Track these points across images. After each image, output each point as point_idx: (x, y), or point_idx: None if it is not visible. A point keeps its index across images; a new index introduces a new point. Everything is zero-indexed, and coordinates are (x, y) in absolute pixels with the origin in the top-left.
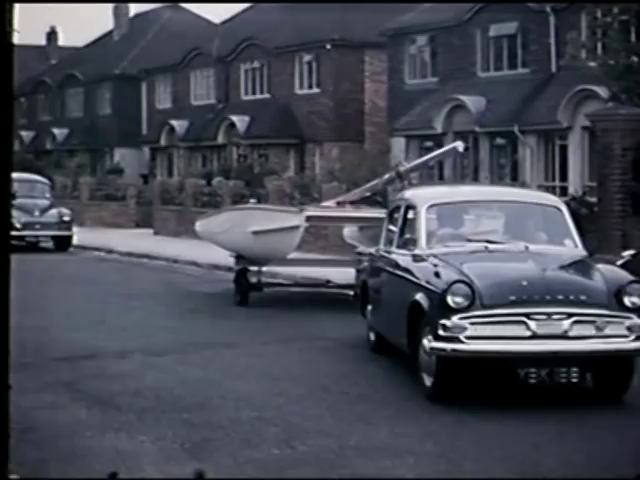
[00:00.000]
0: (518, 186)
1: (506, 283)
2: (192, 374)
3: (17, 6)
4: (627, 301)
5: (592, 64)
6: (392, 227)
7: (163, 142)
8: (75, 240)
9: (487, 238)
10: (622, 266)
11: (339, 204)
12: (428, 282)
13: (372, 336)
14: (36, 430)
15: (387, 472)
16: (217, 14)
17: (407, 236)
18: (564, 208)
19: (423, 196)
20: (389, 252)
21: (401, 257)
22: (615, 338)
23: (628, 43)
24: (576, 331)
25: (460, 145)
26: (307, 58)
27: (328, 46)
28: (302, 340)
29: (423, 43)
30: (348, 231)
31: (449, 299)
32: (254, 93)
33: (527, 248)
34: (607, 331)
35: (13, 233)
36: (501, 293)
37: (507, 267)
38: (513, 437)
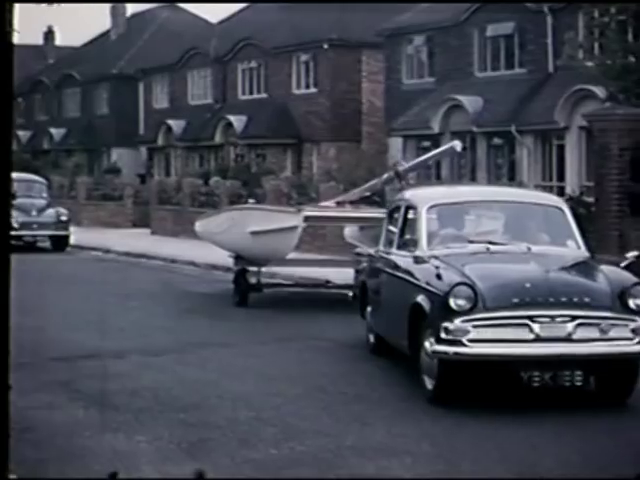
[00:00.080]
0: (516, 186)
1: (509, 285)
2: (190, 374)
3: (17, 6)
4: (631, 303)
5: (589, 64)
6: (392, 228)
7: (160, 142)
8: (72, 240)
9: (489, 239)
10: (626, 267)
11: (339, 204)
12: (430, 284)
13: (371, 338)
14: (34, 430)
15: (384, 472)
16: (214, 14)
17: (407, 237)
18: (566, 208)
19: (423, 196)
20: (389, 253)
21: (401, 258)
22: (619, 341)
23: (625, 43)
24: (580, 334)
25: (458, 144)
26: (304, 58)
27: (325, 46)
28: (300, 340)
29: (420, 43)
30: (349, 231)
31: (451, 302)
32: (251, 93)
33: (529, 249)
34: (611, 334)
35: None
36: (504, 295)
37: (509, 269)
38: (511, 438)
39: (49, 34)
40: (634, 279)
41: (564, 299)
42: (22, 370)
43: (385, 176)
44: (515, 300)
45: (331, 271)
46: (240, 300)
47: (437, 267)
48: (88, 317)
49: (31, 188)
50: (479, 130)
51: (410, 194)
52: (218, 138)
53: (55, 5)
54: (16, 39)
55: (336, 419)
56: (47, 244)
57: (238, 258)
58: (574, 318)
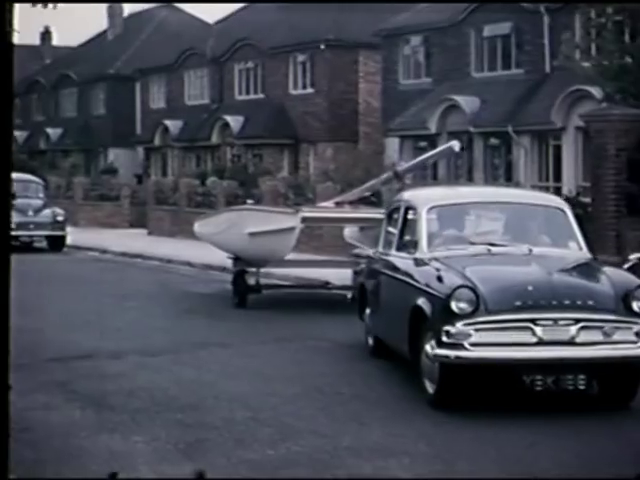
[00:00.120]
0: (513, 186)
1: (511, 288)
2: (186, 374)
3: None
4: (635, 306)
5: (586, 64)
6: (391, 229)
7: (157, 142)
8: (69, 240)
9: (489, 240)
10: (629, 269)
11: (338, 204)
12: (430, 287)
13: (370, 340)
14: (31, 430)
15: (381, 472)
16: (211, 14)
17: (407, 238)
18: (567, 209)
19: (423, 197)
20: (388, 254)
21: (401, 260)
22: (623, 344)
23: (622, 44)
24: (583, 337)
25: (456, 145)
26: (301, 58)
27: (322, 46)
28: (298, 341)
29: (417, 43)
30: (349, 231)
31: (453, 305)
32: (248, 93)
33: (531, 251)
34: (615, 337)
35: None
36: (506, 298)
37: (511, 271)
38: (509, 438)
39: (46, 34)
40: (638, 281)
41: (567, 302)
42: (19, 371)
43: (384, 176)
44: (517, 303)
45: (329, 272)
46: (239, 301)
47: (438, 269)
48: (84, 317)
49: (28, 188)
50: (476, 130)
51: (410, 195)
52: (215, 138)
53: (51, 5)
54: (14, 39)
55: (333, 419)
56: (44, 244)
57: (237, 259)
58: (577, 321)
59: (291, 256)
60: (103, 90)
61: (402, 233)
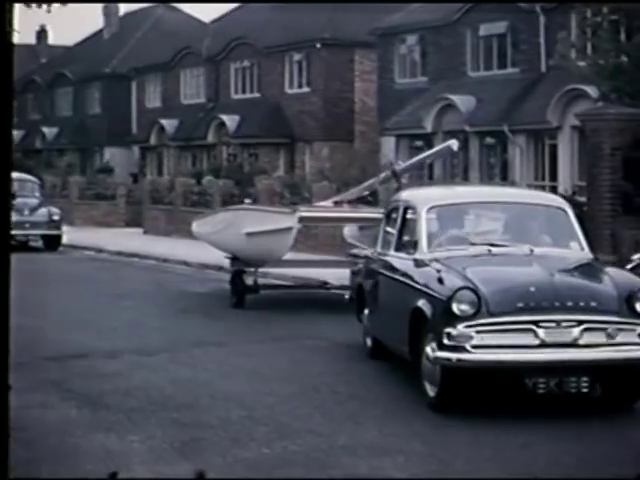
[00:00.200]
0: (508, 185)
1: (513, 289)
2: (182, 373)
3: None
4: (639, 307)
5: (582, 64)
6: (389, 229)
7: (153, 141)
8: (65, 239)
9: (490, 241)
10: (631, 270)
11: (336, 203)
12: (431, 288)
13: (369, 341)
14: (27, 429)
15: (377, 471)
16: (207, 13)
17: (406, 238)
18: (569, 209)
19: (423, 197)
20: (387, 255)
21: (400, 260)
22: (627, 346)
23: (618, 43)
24: (586, 339)
25: (454, 143)
26: (297, 57)
27: (318, 45)
28: (295, 340)
29: (413, 42)
30: (348, 231)
31: (454, 307)
32: (244, 92)
33: (532, 251)
34: (619, 339)
35: None
36: (508, 300)
37: (513, 272)
38: (505, 437)
39: (42, 33)
40: None
41: (570, 303)
42: (15, 370)
43: (382, 175)
44: (520, 305)
45: (327, 272)
46: (237, 301)
47: (438, 270)
48: (80, 316)
49: (23, 187)
50: (472, 130)
51: (409, 194)
52: (211, 137)
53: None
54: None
55: (329, 418)
56: (39, 243)
57: (234, 259)
58: (580, 323)
59: (288, 256)
60: (99, 89)
61: (401, 233)
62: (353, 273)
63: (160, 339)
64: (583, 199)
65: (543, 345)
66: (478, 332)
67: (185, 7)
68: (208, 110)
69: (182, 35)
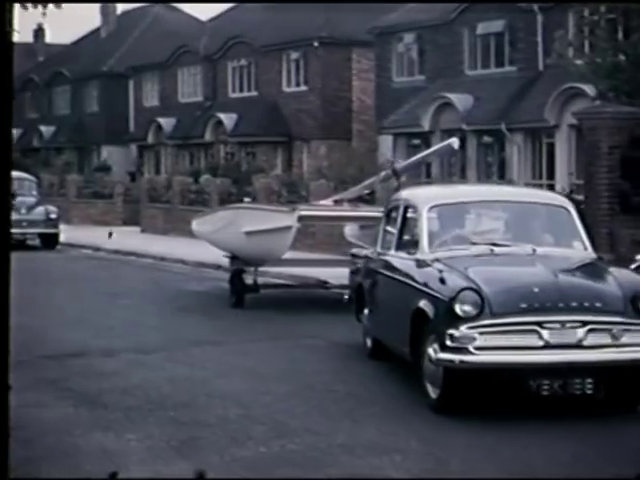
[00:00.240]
0: (506, 184)
1: (516, 290)
2: (180, 372)
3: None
4: None
5: (579, 62)
6: (390, 228)
7: (150, 140)
8: (62, 238)
9: (492, 240)
10: (636, 270)
11: (336, 202)
12: (433, 289)
13: (369, 342)
14: (24, 428)
15: (375, 470)
16: (204, 12)
17: (407, 238)
18: (572, 208)
19: (424, 196)
20: (387, 255)
21: (401, 260)
22: (632, 347)
23: (615, 41)
24: (591, 340)
25: (455, 142)
26: (294, 56)
27: (316, 44)
28: (293, 339)
29: (410, 41)
30: (349, 229)
31: (457, 308)
32: (241, 91)
33: (534, 251)
34: (624, 340)
35: None
36: (511, 300)
37: (516, 272)
38: (503, 436)
39: (39, 32)
40: None
41: (574, 304)
42: (13, 368)
43: (382, 174)
44: (523, 305)
45: (326, 271)
46: (236, 301)
47: (440, 270)
48: (78, 315)
49: (21, 186)
50: (469, 128)
51: (409, 193)
52: (208, 136)
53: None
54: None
55: (327, 417)
56: (37, 242)
57: (234, 258)
58: (585, 324)
59: (287, 255)
60: (96, 88)
61: (401, 232)
62: (352, 273)
63: (158, 338)
64: (580, 198)
65: (547, 346)
66: (481, 333)
67: (182, 6)
68: (205, 109)
69: (179, 34)
